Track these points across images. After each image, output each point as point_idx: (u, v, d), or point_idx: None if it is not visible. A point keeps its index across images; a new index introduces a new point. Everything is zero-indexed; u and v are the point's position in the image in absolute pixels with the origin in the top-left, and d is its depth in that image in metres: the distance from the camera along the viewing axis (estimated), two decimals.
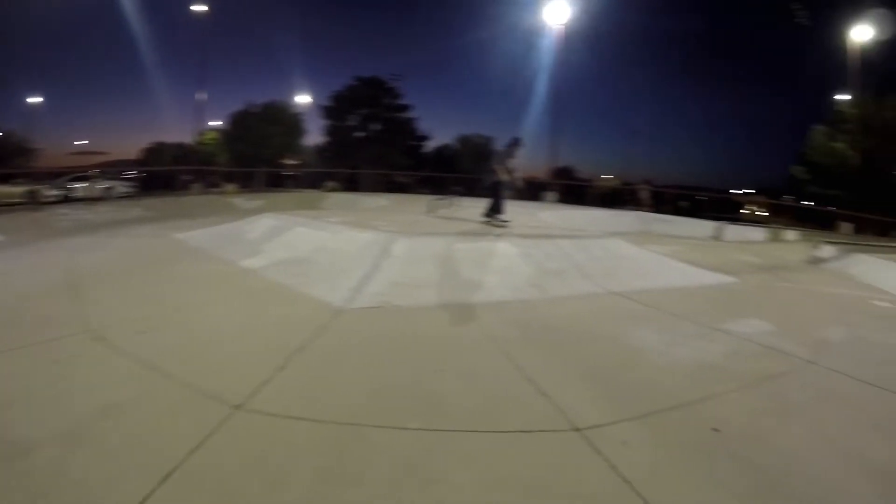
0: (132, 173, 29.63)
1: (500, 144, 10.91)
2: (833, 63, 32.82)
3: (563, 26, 28.66)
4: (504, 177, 10.55)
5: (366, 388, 3.84)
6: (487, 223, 10.44)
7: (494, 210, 10.64)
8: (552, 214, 16.35)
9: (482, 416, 3.53)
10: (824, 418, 3.89)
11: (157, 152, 55.49)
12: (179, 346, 4.46)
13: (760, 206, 39.97)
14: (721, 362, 4.89)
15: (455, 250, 7.54)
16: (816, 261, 13.68)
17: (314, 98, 46.18)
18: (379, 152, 41.85)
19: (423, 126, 48.09)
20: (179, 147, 49.51)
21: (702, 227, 18.24)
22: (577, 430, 3.37)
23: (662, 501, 2.70)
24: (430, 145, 49.42)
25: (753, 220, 31.37)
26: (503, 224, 10.30)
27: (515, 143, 10.90)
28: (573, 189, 31.69)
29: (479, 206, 11.85)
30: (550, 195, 24.75)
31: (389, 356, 4.53)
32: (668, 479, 2.94)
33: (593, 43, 43.34)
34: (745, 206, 42.09)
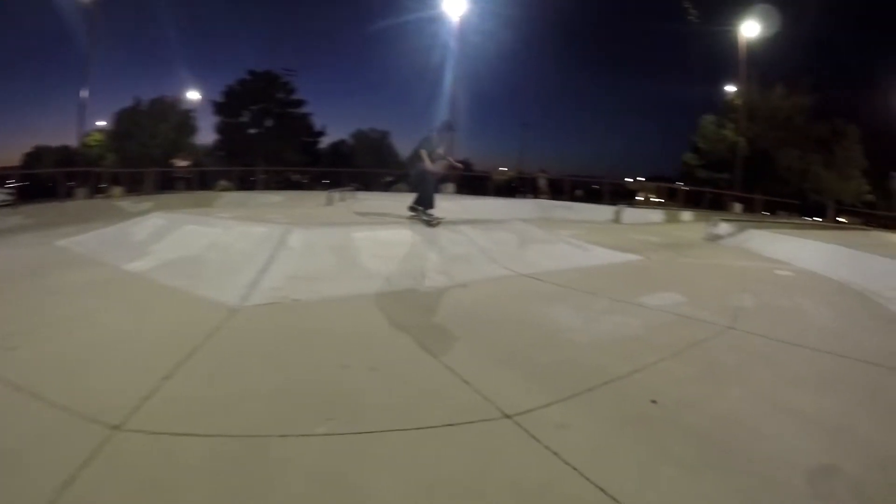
0: (12, 180, 26.79)
1: (429, 129, 9.23)
2: (723, 57, 36.12)
3: (460, 19, 28.74)
4: (433, 166, 8.95)
5: (265, 393, 3.31)
6: (414, 217, 8.85)
7: (423, 203, 8.94)
8: (453, 204, 16.08)
9: (400, 412, 3.12)
10: (754, 378, 3.94)
11: (38, 157, 50.71)
12: (54, 363, 3.70)
13: (652, 191, 41.68)
14: (643, 334, 4.84)
15: (356, 240, 7.09)
16: (714, 237, 14.51)
17: (206, 94, 43.32)
18: (273, 149, 39.86)
19: (319, 122, 46.40)
20: (63, 150, 45.54)
21: (601, 212, 18.81)
22: (508, 417, 3.06)
23: (613, 483, 2.44)
24: (326, 141, 47.72)
25: (649, 205, 32.89)
26: (435, 221, 8.63)
27: (446, 127, 9.65)
28: (471, 180, 31.79)
29: (378, 199, 11.40)
30: (449, 186, 24.63)
31: (290, 355, 4.00)
32: (615, 459, 2.70)
33: (491, 36, 43.99)
34: (639, 193, 43.82)
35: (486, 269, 7.10)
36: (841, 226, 24.91)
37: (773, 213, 30.59)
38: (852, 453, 2.87)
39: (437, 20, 32.72)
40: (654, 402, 3.35)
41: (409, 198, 8.91)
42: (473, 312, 5.31)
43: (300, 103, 44.20)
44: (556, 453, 2.67)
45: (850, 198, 35.29)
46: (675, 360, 4.20)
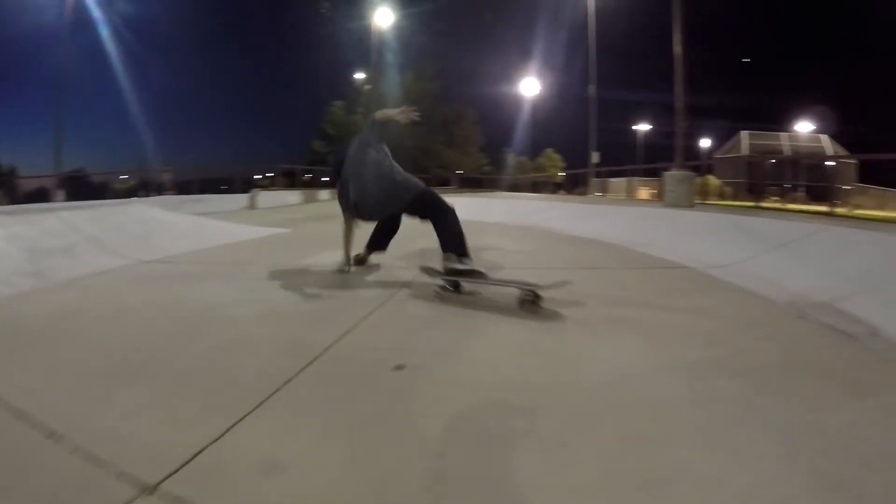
0: None
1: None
2: (354, 45, 38.07)
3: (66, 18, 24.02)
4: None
5: None
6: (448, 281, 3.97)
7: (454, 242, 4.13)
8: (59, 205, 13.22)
9: None
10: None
11: None
12: None
13: (284, 185, 41.78)
14: (326, 293, 4.05)
15: None
16: None
17: None
18: None
19: None
20: None
21: (236, 200, 17.44)
22: (154, 489, 1.42)
23: None
24: None
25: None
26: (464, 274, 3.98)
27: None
28: (91, 189, 27.81)
29: None
30: (59, 194, 20.82)
31: None
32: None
33: (100, 38, 39.15)
34: (270, 188, 43.40)
35: (98, 262, 5.18)
36: (462, 190, 28.23)
37: None
38: None
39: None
40: (400, 367, 2.31)
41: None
42: (75, 315, 3.37)
43: None
44: None
45: (470, 170, 40.78)
46: (393, 308, 3.42)
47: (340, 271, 4.78)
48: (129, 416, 1.87)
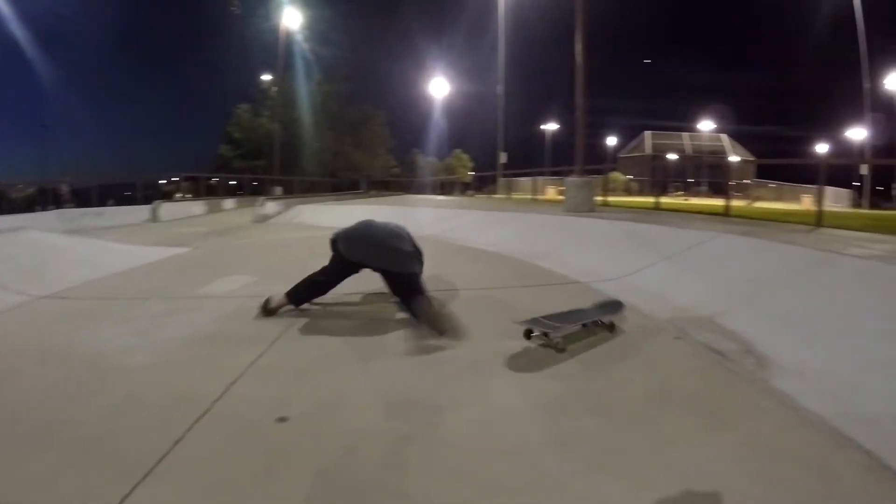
0: None
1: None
2: (262, 46, 36.90)
3: None
4: None
5: None
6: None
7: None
8: None
9: None
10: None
11: None
12: None
13: (189, 190, 40.51)
14: (219, 330, 4.05)
15: None
16: (264, 218, 14.85)
17: None
18: None
19: None
20: None
21: (137, 213, 16.77)
22: None
23: None
24: None
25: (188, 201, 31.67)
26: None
27: None
28: None
29: None
30: None
31: None
32: None
33: None
34: (176, 194, 42.03)
35: None
36: (374, 194, 28.25)
37: (311, 191, 32.27)
38: None
39: None
40: (283, 419, 2.50)
41: None
42: None
43: None
44: None
45: (379, 172, 41.35)
46: (282, 348, 3.54)
47: (265, 306, 4.40)
48: (32, 489, 1.97)
